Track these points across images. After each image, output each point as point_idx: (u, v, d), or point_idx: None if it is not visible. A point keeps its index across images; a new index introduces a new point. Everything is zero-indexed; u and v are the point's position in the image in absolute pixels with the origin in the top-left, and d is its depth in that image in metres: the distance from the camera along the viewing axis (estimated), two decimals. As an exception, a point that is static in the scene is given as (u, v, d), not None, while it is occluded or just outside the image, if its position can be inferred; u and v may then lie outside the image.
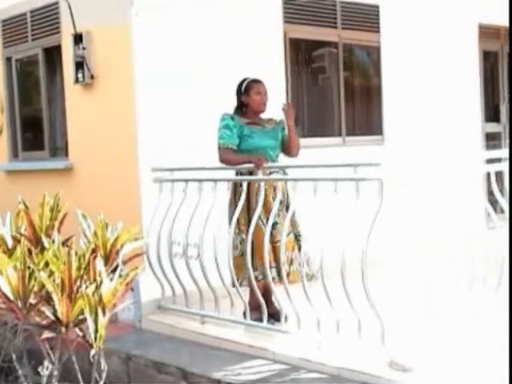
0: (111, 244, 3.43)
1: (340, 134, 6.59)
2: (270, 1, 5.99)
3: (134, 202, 5.20)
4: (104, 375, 3.23)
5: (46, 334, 3.17)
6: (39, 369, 3.28)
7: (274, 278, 4.39)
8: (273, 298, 4.51)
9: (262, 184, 4.42)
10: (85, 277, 3.20)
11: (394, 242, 5.65)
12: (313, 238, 4.04)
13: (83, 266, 3.21)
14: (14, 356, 3.60)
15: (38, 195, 3.73)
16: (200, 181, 4.76)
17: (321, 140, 6.32)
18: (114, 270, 3.33)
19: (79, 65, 5.50)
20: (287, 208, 4.47)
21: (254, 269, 4.45)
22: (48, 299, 3.17)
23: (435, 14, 7.24)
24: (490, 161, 4.21)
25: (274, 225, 4.41)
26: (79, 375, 3.31)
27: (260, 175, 4.46)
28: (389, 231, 4.84)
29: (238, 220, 4.53)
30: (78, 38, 5.46)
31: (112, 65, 5.37)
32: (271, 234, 4.41)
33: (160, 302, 5.13)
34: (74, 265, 3.17)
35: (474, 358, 3.65)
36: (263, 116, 4.76)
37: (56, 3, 5.83)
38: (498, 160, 4.14)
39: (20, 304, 3.17)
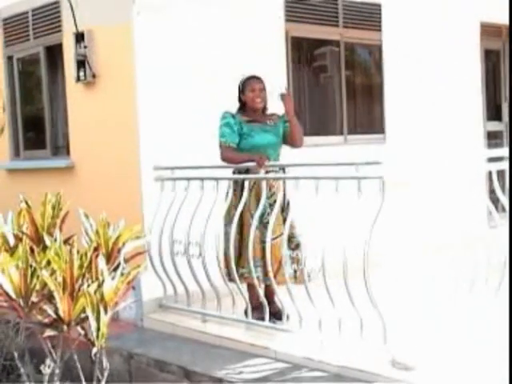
0: (113, 242, 3.43)
1: (342, 133, 6.59)
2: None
3: (136, 200, 5.20)
4: (106, 374, 3.23)
5: (48, 333, 3.17)
6: (41, 367, 3.28)
7: (258, 277, 4.42)
8: (275, 298, 4.52)
9: (264, 183, 4.42)
10: (87, 275, 3.20)
11: (394, 242, 5.66)
12: (314, 236, 4.03)
13: (85, 265, 3.21)
14: (15, 354, 3.60)
15: (39, 194, 3.73)
16: (201, 179, 4.77)
17: (322, 138, 6.31)
18: (116, 269, 3.32)
19: (81, 63, 5.51)
20: (283, 209, 4.48)
21: (242, 267, 4.48)
22: (50, 297, 3.17)
23: (437, 13, 7.24)
24: (492, 159, 4.21)
25: (266, 224, 4.40)
26: (81, 373, 3.31)
27: (262, 174, 4.47)
28: (390, 230, 4.83)
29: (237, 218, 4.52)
30: (79, 37, 5.47)
31: (113, 63, 5.38)
32: (262, 233, 4.41)
33: (161, 300, 5.13)
34: (76, 263, 3.18)
35: (474, 358, 3.64)
36: (267, 112, 4.74)
37: (57, 2, 5.83)
38: (500, 159, 4.13)
39: (22, 302, 3.17)
